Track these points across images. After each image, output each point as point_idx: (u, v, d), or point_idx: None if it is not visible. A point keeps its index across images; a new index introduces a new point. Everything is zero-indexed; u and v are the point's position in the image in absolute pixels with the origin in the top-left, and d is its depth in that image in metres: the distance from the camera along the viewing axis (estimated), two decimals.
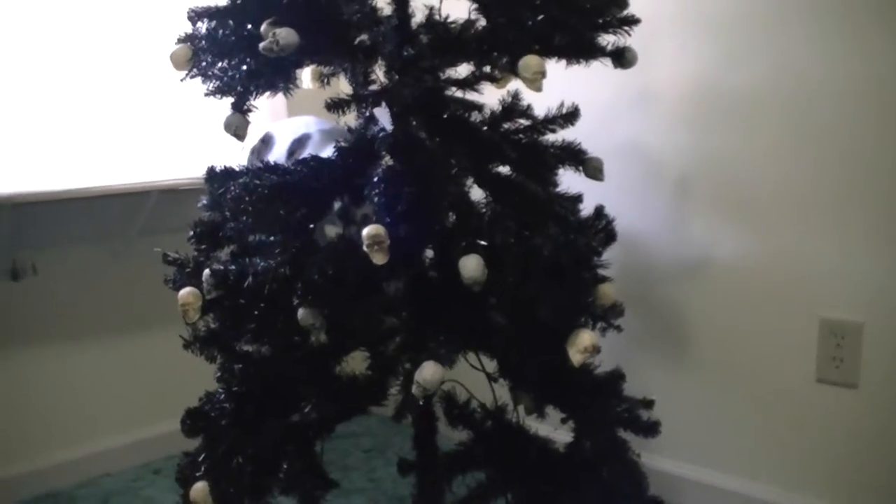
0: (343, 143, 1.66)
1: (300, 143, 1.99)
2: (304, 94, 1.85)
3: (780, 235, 2.03)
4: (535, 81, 1.55)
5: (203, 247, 1.76)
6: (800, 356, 2.03)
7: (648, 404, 1.77)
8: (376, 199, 1.54)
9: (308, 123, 2.02)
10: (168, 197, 2.55)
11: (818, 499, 2.04)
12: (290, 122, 2.09)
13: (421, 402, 1.73)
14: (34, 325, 2.53)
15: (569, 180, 1.80)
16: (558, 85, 1.72)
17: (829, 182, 1.95)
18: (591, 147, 1.81)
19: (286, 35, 1.48)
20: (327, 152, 1.67)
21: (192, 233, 1.76)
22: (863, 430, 1.95)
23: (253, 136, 1.99)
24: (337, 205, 1.68)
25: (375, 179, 1.54)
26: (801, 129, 1.98)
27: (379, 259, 1.46)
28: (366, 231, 1.46)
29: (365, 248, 1.46)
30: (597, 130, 1.87)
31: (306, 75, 1.89)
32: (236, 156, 2.02)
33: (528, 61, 1.55)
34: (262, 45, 1.48)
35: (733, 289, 2.13)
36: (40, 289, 2.51)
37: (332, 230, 1.74)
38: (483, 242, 1.51)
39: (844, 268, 1.94)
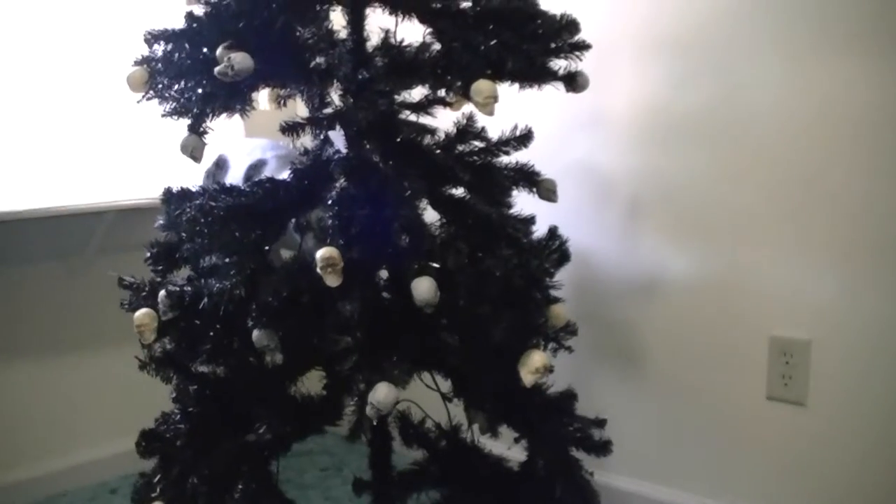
0: (298, 166, 1.68)
1: (256, 168, 2.00)
2: (260, 115, 1.86)
3: (731, 254, 2.07)
4: (487, 105, 1.57)
5: (160, 267, 1.76)
6: (751, 374, 2.06)
7: (600, 423, 1.79)
8: (330, 220, 1.56)
9: (263, 147, 2.03)
10: (126, 216, 2.55)
11: None
12: (244, 145, 2.10)
13: (375, 423, 1.75)
14: None
15: (522, 201, 1.83)
16: (511, 107, 1.75)
17: (778, 202, 1.98)
18: (544, 168, 1.85)
19: (241, 59, 1.49)
20: (284, 177, 1.68)
21: (148, 254, 1.76)
22: (812, 446, 1.98)
23: (208, 158, 2.00)
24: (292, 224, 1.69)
25: (330, 202, 1.56)
26: (751, 150, 2.01)
27: (332, 281, 1.47)
28: (319, 253, 1.47)
29: (318, 271, 1.47)
30: (549, 152, 1.89)
31: (263, 97, 1.89)
32: (194, 176, 2.03)
33: (480, 86, 1.57)
34: (217, 69, 1.50)
35: (686, 307, 2.16)
36: None
37: (287, 253, 1.76)
38: (436, 265, 1.53)
39: (792, 286, 1.98)
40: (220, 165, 2.03)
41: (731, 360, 2.10)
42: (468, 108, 1.82)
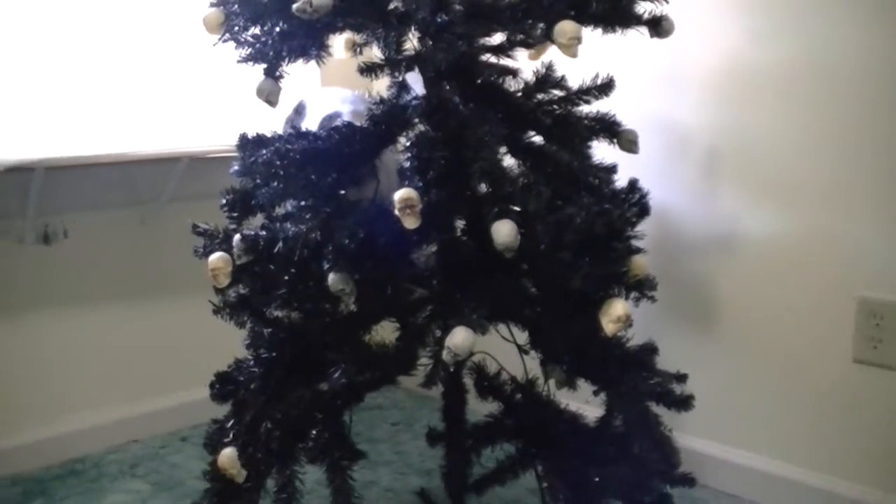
0: (375, 112, 1.65)
1: (331, 119, 1.97)
2: (336, 64, 1.83)
3: (814, 212, 2.00)
4: (571, 47, 1.53)
5: (235, 214, 1.75)
6: (836, 336, 1.99)
7: (681, 378, 1.75)
8: (408, 163, 1.53)
9: (343, 98, 2.00)
10: (198, 164, 2.55)
11: (850, 481, 2.00)
12: (324, 94, 2.08)
13: (451, 369, 1.72)
14: (64, 289, 2.55)
15: (599, 152, 1.79)
16: (590, 57, 1.70)
17: (863, 160, 1.91)
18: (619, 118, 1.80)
19: None
20: None
21: (224, 200, 1.75)
22: None
23: (288, 105, 1.98)
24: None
25: (408, 144, 1.53)
26: (835, 108, 1.94)
27: (410, 223, 1.44)
28: (397, 194, 1.45)
29: (396, 212, 1.45)
30: (625, 104, 1.84)
31: (339, 44, 1.87)
32: (268, 125, 2.01)
33: (564, 27, 1.53)
34: (295, 6, 1.47)
35: (765, 265, 2.10)
36: (71, 253, 2.52)
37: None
38: (516, 208, 1.48)
39: (881, 246, 1.90)
40: (299, 111, 2.00)
41: (814, 321, 2.03)
42: (547, 57, 1.78)
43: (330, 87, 2.13)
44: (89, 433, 2.59)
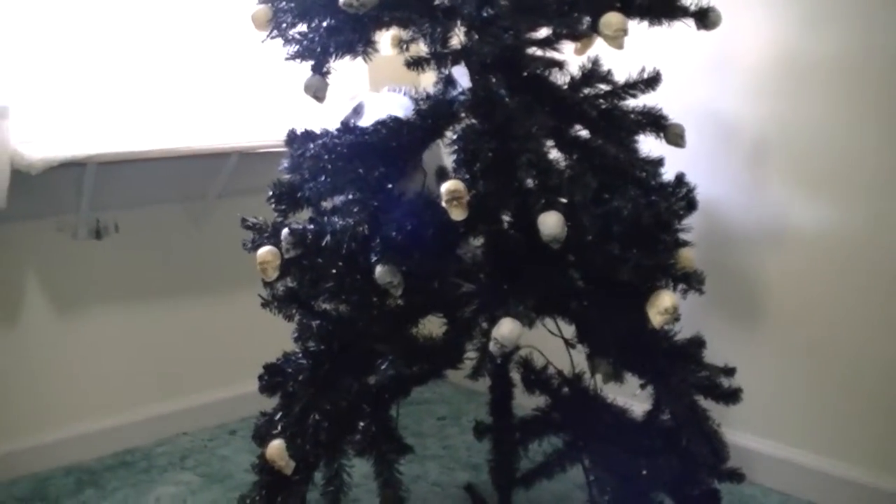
0: (422, 107, 1.66)
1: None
2: (383, 62, 1.84)
3: (865, 206, 1.97)
4: (617, 39, 1.53)
5: (283, 207, 1.76)
6: (888, 332, 1.96)
7: (729, 372, 1.74)
8: (455, 156, 1.54)
9: (401, 105, 2.01)
10: (247, 159, 2.58)
11: None
12: (384, 98, 2.09)
13: (498, 361, 1.72)
14: (116, 284, 2.60)
15: (646, 146, 1.78)
16: (635, 51, 1.70)
17: None
18: (666, 112, 1.79)
19: None
20: None
21: (271, 193, 1.76)
22: None
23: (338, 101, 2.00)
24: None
25: (455, 137, 1.54)
26: (888, 98, 1.91)
27: (457, 214, 1.45)
28: (444, 186, 1.45)
29: (444, 204, 1.45)
30: (671, 97, 1.83)
31: (385, 41, 1.88)
32: (317, 122, 2.03)
33: (610, 18, 1.53)
34: (342, 0, 1.48)
35: (815, 259, 2.08)
36: (122, 248, 2.58)
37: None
38: (563, 200, 1.48)
39: None
40: (358, 111, 2.02)
41: (868, 316, 2.00)
42: (593, 51, 1.78)
43: (391, 92, 2.14)
44: (140, 425, 2.63)
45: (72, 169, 2.27)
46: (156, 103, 2.53)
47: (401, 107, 1.99)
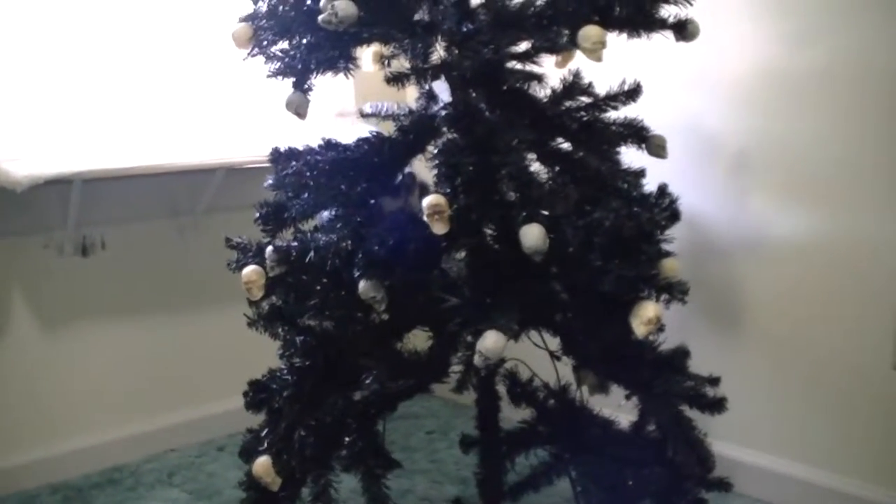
0: (403, 122, 1.67)
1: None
2: (367, 78, 1.85)
3: (849, 218, 1.98)
4: (596, 51, 1.53)
5: (269, 226, 1.77)
6: (873, 342, 1.97)
7: (714, 381, 1.74)
8: (436, 170, 1.54)
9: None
10: (233, 175, 2.58)
11: (887, 489, 1.98)
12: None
13: (483, 374, 1.73)
14: (103, 300, 2.59)
15: (627, 156, 1.79)
16: (616, 64, 1.71)
17: None
18: (648, 124, 1.79)
19: (344, 6, 1.49)
20: None
21: (258, 213, 1.77)
22: None
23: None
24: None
25: (436, 151, 1.54)
26: (870, 112, 1.92)
27: (439, 228, 1.46)
28: (426, 200, 1.46)
29: (425, 218, 1.46)
30: (653, 109, 1.84)
31: (367, 57, 1.89)
32: (302, 135, 2.04)
33: (588, 31, 1.53)
34: (321, 17, 1.50)
35: (799, 270, 2.08)
36: (109, 264, 2.57)
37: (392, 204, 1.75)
38: (544, 212, 1.49)
39: None
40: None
41: (851, 328, 2.01)
42: (574, 64, 1.79)
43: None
44: (127, 442, 2.62)
45: (58, 186, 2.26)
46: (142, 119, 2.52)
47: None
